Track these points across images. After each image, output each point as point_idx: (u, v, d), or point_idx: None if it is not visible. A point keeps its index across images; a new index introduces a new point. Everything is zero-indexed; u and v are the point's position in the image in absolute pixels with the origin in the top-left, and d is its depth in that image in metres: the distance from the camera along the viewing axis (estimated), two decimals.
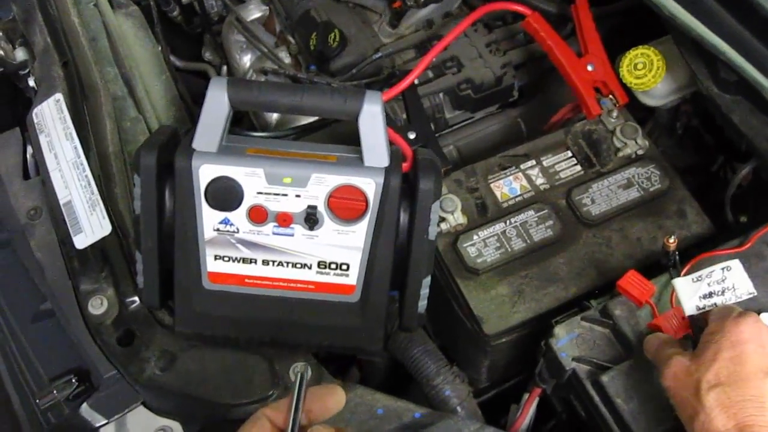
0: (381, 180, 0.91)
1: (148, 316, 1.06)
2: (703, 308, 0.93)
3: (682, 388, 0.83)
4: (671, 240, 0.97)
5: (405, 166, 0.97)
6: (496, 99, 1.39)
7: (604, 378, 0.94)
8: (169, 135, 0.96)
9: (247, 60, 1.55)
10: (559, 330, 0.99)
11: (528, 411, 1.09)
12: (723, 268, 0.96)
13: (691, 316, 0.93)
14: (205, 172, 0.91)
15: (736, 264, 0.96)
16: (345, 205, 0.92)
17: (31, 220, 1.16)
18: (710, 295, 0.94)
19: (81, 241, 1.09)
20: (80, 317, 1.07)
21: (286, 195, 0.92)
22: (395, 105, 1.30)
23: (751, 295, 0.94)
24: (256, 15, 1.57)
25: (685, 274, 0.97)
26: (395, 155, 0.94)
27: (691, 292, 0.94)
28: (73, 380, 1.08)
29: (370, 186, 0.92)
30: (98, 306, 1.07)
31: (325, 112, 0.93)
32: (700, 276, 0.95)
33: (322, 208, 0.93)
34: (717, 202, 1.20)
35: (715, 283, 0.94)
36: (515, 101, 1.43)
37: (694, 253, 1.00)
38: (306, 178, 0.92)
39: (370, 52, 1.38)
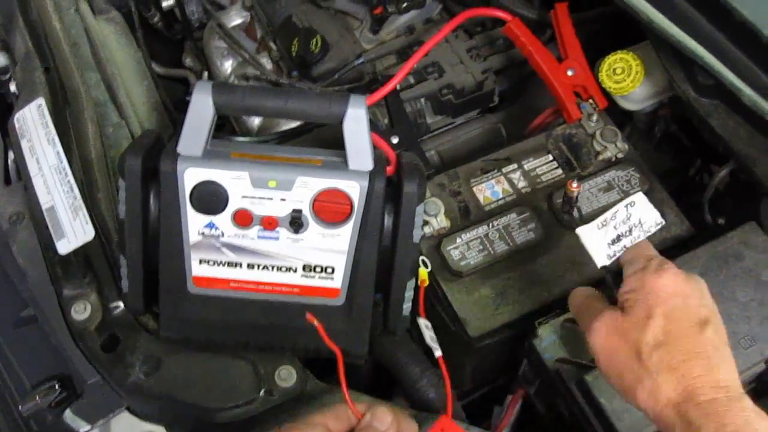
0: (365, 183, 0.92)
1: (132, 321, 1.06)
2: (614, 255, 0.87)
3: (619, 351, 0.78)
4: (574, 185, 0.96)
5: (389, 169, 0.98)
6: (476, 104, 1.41)
7: (588, 378, 0.95)
8: (154, 139, 0.96)
9: (228, 66, 1.55)
10: (543, 331, 1.00)
11: (512, 412, 1.10)
12: (627, 205, 0.90)
13: (604, 267, 0.88)
14: (190, 176, 0.91)
15: (639, 197, 0.90)
16: (330, 209, 0.93)
17: (13, 226, 1.15)
18: (618, 238, 0.88)
19: (64, 247, 1.09)
20: (63, 323, 1.06)
21: (271, 198, 0.92)
22: (377, 110, 1.30)
23: (660, 225, 0.89)
24: (237, 21, 1.57)
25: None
26: (379, 159, 0.95)
27: (598, 240, 0.88)
28: (56, 386, 1.07)
29: (355, 189, 0.92)
30: (81, 311, 1.06)
31: (309, 115, 0.93)
32: (604, 220, 0.89)
33: (307, 212, 0.93)
34: (695, 205, 1.22)
35: (621, 224, 0.89)
36: (495, 106, 1.45)
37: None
38: (291, 181, 0.92)
39: (351, 57, 1.39)
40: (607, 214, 0.89)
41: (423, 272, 1.03)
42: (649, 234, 0.91)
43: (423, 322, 1.02)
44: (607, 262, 0.88)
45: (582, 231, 0.90)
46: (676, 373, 0.74)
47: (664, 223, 0.91)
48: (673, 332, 0.77)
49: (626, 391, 0.78)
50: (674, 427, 0.73)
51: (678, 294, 0.79)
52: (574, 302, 0.90)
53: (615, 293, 0.84)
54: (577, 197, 0.97)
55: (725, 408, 0.72)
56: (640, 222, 0.90)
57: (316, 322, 0.92)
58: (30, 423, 1.10)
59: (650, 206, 0.91)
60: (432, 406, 1.10)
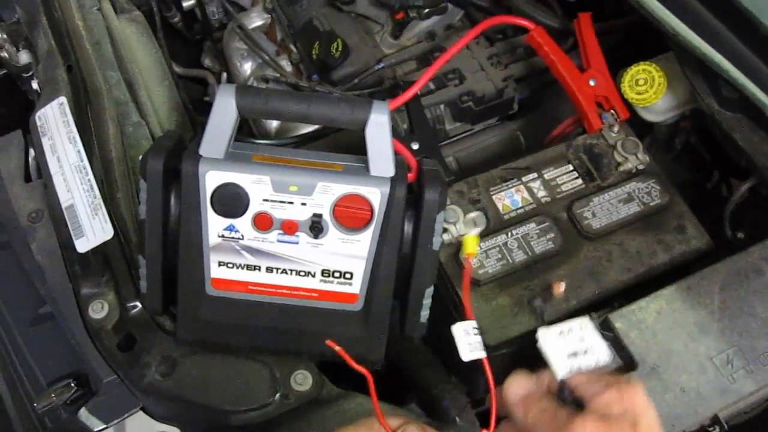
0: (387, 190, 0.92)
1: (149, 321, 1.06)
2: (571, 370, 0.83)
3: None
4: (561, 289, 0.96)
5: (410, 176, 0.98)
6: (496, 111, 1.40)
7: None
8: (176, 140, 0.97)
9: (247, 67, 1.55)
10: None
11: None
12: (580, 326, 0.87)
13: (562, 382, 0.83)
14: (212, 179, 0.92)
15: (586, 322, 0.87)
16: (350, 214, 0.93)
17: (32, 223, 1.15)
18: (575, 354, 0.85)
19: (83, 245, 1.09)
20: (80, 321, 1.07)
21: (291, 203, 0.93)
22: (396, 115, 1.30)
23: (606, 364, 0.85)
24: (258, 23, 1.58)
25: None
26: (400, 165, 0.95)
27: (558, 348, 0.85)
28: (72, 384, 1.08)
29: (376, 195, 0.92)
30: (99, 310, 1.06)
31: (332, 121, 0.93)
32: (561, 331, 0.86)
33: (327, 217, 0.93)
34: (713, 218, 1.21)
35: (576, 341, 0.86)
36: (515, 114, 1.45)
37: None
38: (312, 186, 0.92)
39: (372, 62, 1.39)
40: (564, 326, 0.86)
41: (472, 243, 1.02)
42: (601, 367, 0.85)
43: (463, 327, 0.96)
44: (566, 376, 0.83)
45: (542, 334, 0.86)
46: None
47: (609, 363, 0.86)
48: None
49: None
50: None
51: (650, 406, 0.78)
52: (510, 395, 0.82)
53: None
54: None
55: None
56: (592, 349, 0.85)
57: (337, 348, 0.92)
58: (44, 420, 1.11)
59: (598, 337, 0.86)
60: (446, 413, 1.10)
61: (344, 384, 1.19)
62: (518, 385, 0.83)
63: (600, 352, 0.84)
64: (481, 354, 0.94)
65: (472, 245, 1.02)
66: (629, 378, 0.83)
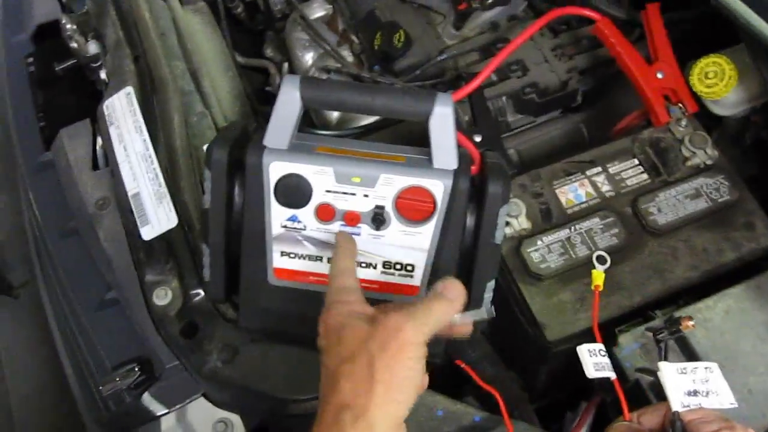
0: (450, 182, 0.91)
1: (211, 308, 1.07)
2: (688, 406, 0.87)
3: None
4: (691, 323, 0.95)
5: (473, 169, 0.97)
6: (559, 104, 1.38)
7: None
8: (240, 131, 0.98)
9: (309, 58, 1.55)
10: (623, 339, 0.98)
11: (586, 420, 1.08)
12: (706, 368, 0.90)
13: (676, 413, 0.86)
14: (275, 169, 0.92)
15: (715, 367, 0.90)
16: (413, 207, 0.92)
17: (100, 210, 1.18)
18: (695, 393, 0.88)
19: (148, 233, 1.11)
20: (144, 307, 1.09)
21: (354, 194, 0.93)
22: (458, 107, 1.29)
23: (732, 407, 0.88)
24: (320, 13, 1.58)
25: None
26: (463, 158, 0.94)
27: (677, 383, 0.88)
28: (136, 369, 1.10)
29: (439, 188, 0.92)
30: (163, 297, 1.09)
31: (396, 112, 0.93)
32: (684, 369, 0.90)
33: (389, 209, 0.93)
34: None
35: (699, 382, 0.89)
36: (578, 106, 1.42)
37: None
38: (375, 178, 0.92)
39: (434, 53, 1.38)
40: (689, 366, 0.90)
41: (598, 276, 1.02)
42: (723, 409, 0.88)
43: (587, 348, 0.98)
44: (681, 409, 0.86)
45: (664, 368, 0.90)
46: None
47: (735, 405, 0.89)
48: None
49: None
50: None
51: None
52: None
53: None
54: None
55: None
56: (717, 391, 0.89)
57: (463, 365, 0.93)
58: (108, 403, 1.13)
59: (725, 383, 0.90)
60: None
61: None
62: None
63: (724, 397, 0.87)
64: (610, 374, 0.96)
65: (599, 278, 1.02)
66: (746, 427, 0.83)
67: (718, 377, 0.90)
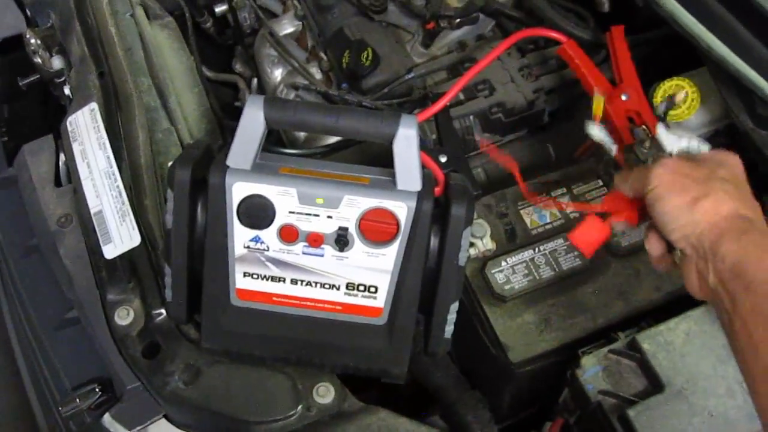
0: (413, 204, 0.91)
1: (173, 329, 1.06)
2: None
3: (683, 177, 0.82)
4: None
5: (437, 190, 0.97)
6: (526, 123, 1.39)
7: (631, 413, 0.93)
8: (203, 150, 0.97)
9: (278, 74, 1.55)
10: (586, 361, 0.99)
11: None
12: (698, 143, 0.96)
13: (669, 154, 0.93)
14: (239, 190, 0.92)
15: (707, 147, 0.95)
16: (376, 228, 0.92)
17: (61, 228, 1.16)
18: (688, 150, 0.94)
19: (110, 251, 1.10)
20: (106, 327, 1.07)
21: (317, 215, 0.92)
22: (425, 125, 1.29)
23: None
24: (289, 30, 1.58)
25: None
26: (428, 179, 0.94)
27: (674, 138, 0.95)
28: (97, 389, 1.08)
29: (402, 210, 0.92)
30: (124, 317, 1.07)
31: (360, 134, 0.93)
32: (682, 134, 0.96)
33: (353, 230, 0.93)
34: None
35: (694, 147, 0.95)
36: (545, 125, 1.43)
37: None
38: (338, 199, 0.92)
39: (402, 71, 1.38)
40: (686, 134, 0.97)
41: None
42: None
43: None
44: (675, 152, 0.93)
45: (662, 127, 0.96)
46: (742, 200, 0.80)
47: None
48: (741, 182, 0.84)
49: (684, 203, 0.80)
50: (726, 231, 0.77)
51: (744, 173, 0.86)
52: (620, 177, 0.92)
53: None
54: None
55: None
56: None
57: None
58: (69, 424, 1.11)
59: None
60: (469, 429, 1.09)
61: (364, 395, 1.19)
62: (623, 172, 0.93)
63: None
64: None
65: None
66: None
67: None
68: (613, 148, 0.97)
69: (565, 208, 1.02)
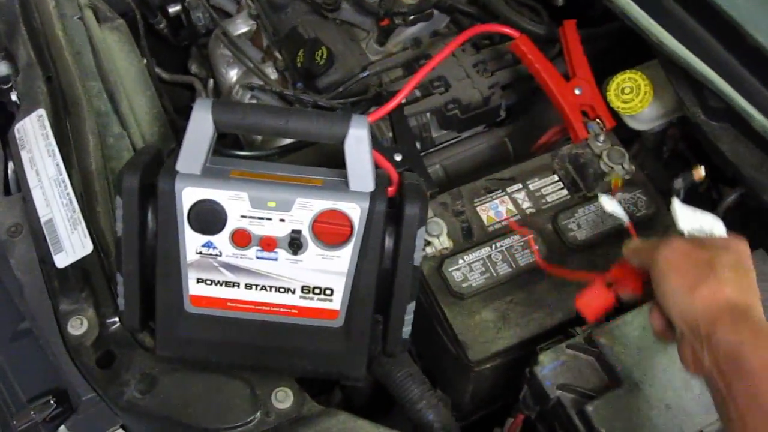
0: (366, 205, 0.91)
1: (128, 337, 1.04)
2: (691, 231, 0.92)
3: (687, 260, 0.83)
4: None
5: (391, 190, 0.96)
6: (483, 119, 1.39)
7: (589, 407, 0.93)
8: (153, 155, 0.95)
9: (233, 74, 1.54)
10: (544, 357, 0.99)
11: None
12: (711, 221, 0.94)
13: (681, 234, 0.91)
14: (189, 195, 0.90)
15: (721, 225, 0.94)
16: (329, 230, 0.92)
17: (12, 237, 1.14)
18: (701, 230, 0.92)
19: (62, 260, 1.07)
20: (59, 337, 1.05)
21: (270, 219, 0.91)
22: (381, 123, 1.29)
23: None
24: (243, 29, 1.56)
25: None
26: (381, 179, 0.93)
27: (687, 216, 0.93)
28: (52, 401, 1.06)
29: (355, 211, 0.91)
30: (78, 326, 1.05)
31: (310, 135, 0.92)
32: (695, 211, 0.94)
33: (306, 233, 0.92)
34: None
35: (708, 226, 0.93)
36: (502, 120, 1.43)
37: None
38: (290, 202, 0.91)
39: (357, 69, 1.37)
40: (700, 212, 0.94)
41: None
42: None
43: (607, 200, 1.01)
44: (686, 232, 0.91)
45: (677, 203, 0.93)
46: (740, 289, 0.81)
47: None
48: (743, 269, 0.83)
49: (685, 288, 0.81)
50: (723, 319, 0.78)
51: (750, 260, 0.86)
52: (629, 247, 0.92)
53: None
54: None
55: None
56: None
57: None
58: None
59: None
60: (431, 428, 1.08)
61: (325, 397, 1.19)
62: (632, 243, 0.93)
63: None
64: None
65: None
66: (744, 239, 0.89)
67: (723, 232, 0.93)
68: (626, 221, 0.98)
69: (575, 277, 1.02)
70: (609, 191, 1.12)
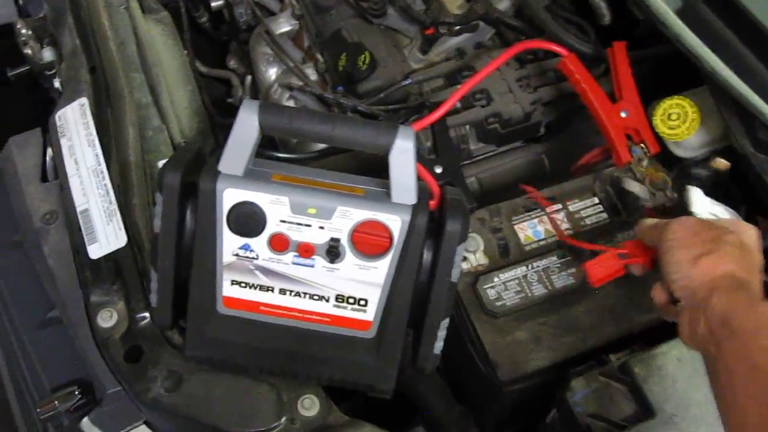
0: (407, 218, 0.90)
1: (157, 333, 1.04)
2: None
3: (694, 235, 0.86)
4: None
5: (431, 203, 0.95)
6: (522, 134, 1.38)
7: None
8: (195, 153, 0.95)
9: (272, 73, 1.53)
10: (576, 383, 0.97)
11: None
12: (726, 209, 1.01)
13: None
14: (229, 196, 0.90)
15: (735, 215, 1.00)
16: (369, 241, 0.91)
17: (46, 225, 1.14)
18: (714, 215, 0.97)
19: (95, 251, 1.08)
20: (88, 329, 1.05)
21: (309, 225, 0.91)
22: (420, 132, 1.27)
23: None
24: (286, 29, 1.55)
25: None
26: (423, 192, 0.93)
27: (702, 202, 0.99)
28: (76, 392, 1.07)
29: (396, 223, 0.90)
30: (107, 319, 1.05)
31: (356, 144, 0.91)
32: (711, 201, 1.01)
33: (345, 242, 0.91)
34: None
35: (721, 212, 1.00)
36: (540, 137, 1.42)
37: None
38: (331, 210, 0.90)
39: (398, 76, 1.36)
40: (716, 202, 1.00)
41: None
42: None
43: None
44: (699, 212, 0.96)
45: (693, 189, 0.99)
46: (742, 264, 0.84)
47: None
48: (748, 248, 0.87)
49: (688, 259, 0.85)
50: (719, 286, 0.81)
51: (758, 244, 0.89)
52: (642, 225, 0.95)
53: None
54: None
55: None
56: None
57: None
58: (47, 426, 1.09)
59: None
60: None
61: (350, 406, 1.18)
62: (646, 221, 0.96)
63: None
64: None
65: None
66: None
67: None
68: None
69: (590, 248, 1.03)
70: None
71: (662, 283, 0.89)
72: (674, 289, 0.86)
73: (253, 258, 0.92)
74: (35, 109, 1.34)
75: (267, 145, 1.42)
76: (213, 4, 1.65)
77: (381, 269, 0.92)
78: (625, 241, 0.97)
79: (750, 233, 0.89)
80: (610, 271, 0.96)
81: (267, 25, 1.52)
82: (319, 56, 1.47)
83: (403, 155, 0.89)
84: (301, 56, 1.50)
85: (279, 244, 0.91)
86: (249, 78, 1.62)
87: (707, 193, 1.30)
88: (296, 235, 0.91)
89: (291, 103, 1.47)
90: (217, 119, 1.36)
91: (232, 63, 1.69)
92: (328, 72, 1.45)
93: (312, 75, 1.47)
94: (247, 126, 0.89)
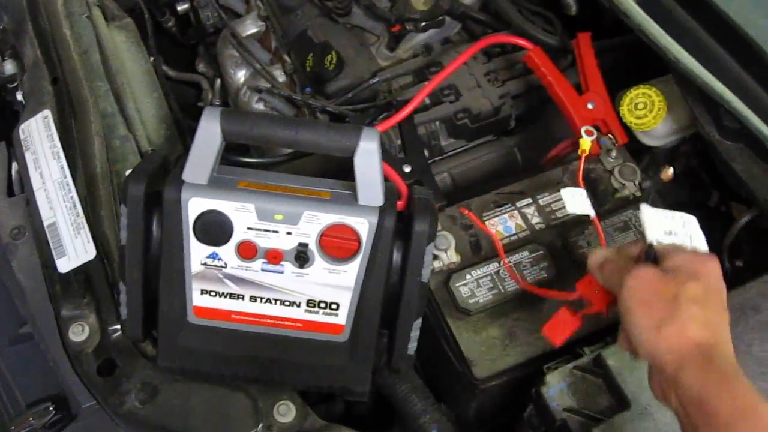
0: (375, 220, 0.89)
1: (130, 345, 1.03)
2: (663, 241, 0.90)
3: (655, 293, 0.81)
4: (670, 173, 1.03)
5: (400, 204, 0.95)
6: (492, 129, 1.37)
7: (596, 431, 0.92)
8: (159, 163, 0.94)
9: (241, 76, 1.52)
10: (551, 378, 0.97)
11: None
12: (682, 219, 0.92)
13: (650, 245, 0.89)
14: (195, 206, 0.89)
15: (691, 219, 0.93)
16: (337, 245, 0.90)
17: (14, 240, 1.13)
18: (671, 233, 0.90)
19: (64, 265, 1.07)
20: (60, 343, 1.04)
21: (276, 231, 0.90)
22: (390, 131, 1.27)
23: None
24: (252, 30, 1.54)
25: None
26: (390, 193, 0.92)
27: (657, 223, 0.91)
28: (51, 408, 1.06)
29: (364, 226, 0.89)
30: (79, 333, 1.04)
31: (320, 148, 0.90)
32: (666, 214, 0.92)
33: (313, 246, 0.90)
34: (712, 246, 1.18)
35: (677, 226, 0.91)
36: (512, 129, 1.41)
37: None
38: (298, 215, 0.89)
39: (366, 75, 1.35)
40: (668, 212, 0.92)
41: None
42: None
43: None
44: (655, 242, 0.89)
45: (645, 209, 0.91)
46: (707, 326, 0.79)
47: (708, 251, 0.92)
48: (710, 300, 0.81)
49: (650, 326, 0.80)
50: (689, 362, 0.77)
51: (720, 280, 0.84)
52: (594, 261, 0.91)
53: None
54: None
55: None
56: (692, 238, 0.92)
57: None
58: None
59: (701, 233, 0.92)
60: None
61: (328, 409, 1.17)
62: (597, 255, 0.91)
63: (699, 243, 0.91)
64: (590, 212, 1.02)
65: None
66: (709, 255, 0.87)
67: (696, 227, 0.92)
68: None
69: (549, 296, 1.03)
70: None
71: (626, 333, 0.85)
72: (640, 354, 0.82)
73: (222, 266, 0.92)
74: None
75: (238, 149, 1.41)
76: (179, 8, 1.65)
77: (351, 272, 0.91)
78: (577, 283, 0.93)
79: (710, 268, 0.83)
80: (571, 328, 0.94)
81: (233, 27, 1.51)
82: (286, 57, 1.46)
83: (367, 157, 0.89)
84: (269, 58, 1.49)
85: (247, 251, 0.91)
86: (218, 81, 1.61)
87: (676, 183, 1.32)
88: (264, 241, 0.90)
89: (260, 106, 1.46)
90: (188, 124, 1.35)
91: (201, 66, 1.68)
92: (296, 73, 1.45)
93: (280, 77, 1.46)
94: (209, 134, 0.88)
